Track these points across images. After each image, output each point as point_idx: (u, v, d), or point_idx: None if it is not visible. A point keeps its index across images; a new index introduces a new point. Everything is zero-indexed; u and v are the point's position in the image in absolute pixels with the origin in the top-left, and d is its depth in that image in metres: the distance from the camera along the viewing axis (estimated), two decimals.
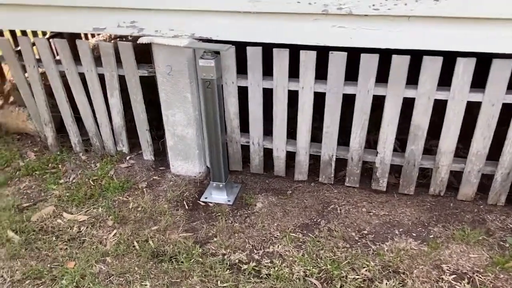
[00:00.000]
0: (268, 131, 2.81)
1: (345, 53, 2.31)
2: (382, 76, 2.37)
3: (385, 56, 2.32)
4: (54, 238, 2.48)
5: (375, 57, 2.28)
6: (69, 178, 3.03)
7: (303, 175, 2.84)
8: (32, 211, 2.70)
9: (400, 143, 2.96)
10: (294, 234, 2.43)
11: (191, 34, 2.46)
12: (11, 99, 4.12)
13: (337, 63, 2.35)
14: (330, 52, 2.33)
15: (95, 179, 2.98)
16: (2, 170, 3.15)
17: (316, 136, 2.82)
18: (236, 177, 3.00)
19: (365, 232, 2.44)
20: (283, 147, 2.77)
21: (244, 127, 2.83)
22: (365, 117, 2.48)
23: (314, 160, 2.88)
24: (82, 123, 3.17)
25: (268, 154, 2.91)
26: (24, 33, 3.83)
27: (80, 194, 2.82)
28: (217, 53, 2.38)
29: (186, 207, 2.72)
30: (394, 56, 2.26)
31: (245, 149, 2.94)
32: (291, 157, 2.87)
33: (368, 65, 2.31)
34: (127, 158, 3.21)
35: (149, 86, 2.98)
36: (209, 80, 2.38)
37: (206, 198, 2.80)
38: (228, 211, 2.65)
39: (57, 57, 2.89)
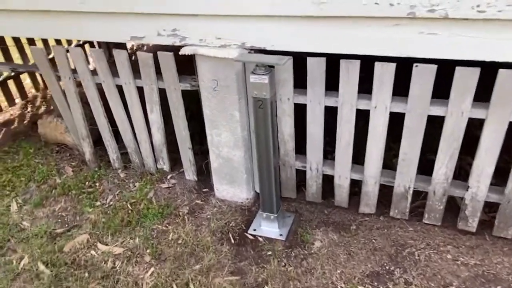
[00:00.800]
0: (325, 151, 2.38)
1: (435, 66, 1.83)
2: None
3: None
4: (86, 275, 2.21)
5: (475, 72, 1.78)
6: (106, 200, 2.77)
7: (370, 207, 2.39)
8: (65, 239, 2.46)
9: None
10: (362, 287, 2.00)
11: (241, 44, 2.07)
12: (51, 107, 3.97)
13: (423, 78, 1.87)
14: (415, 64, 1.86)
15: (133, 202, 2.70)
16: (39, 187, 2.95)
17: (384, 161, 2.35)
18: (289, 204, 2.60)
19: None
20: (347, 175, 2.33)
21: (299, 148, 2.42)
22: (456, 144, 1.98)
23: (381, 186, 2.41)
24: (121, 136, 2.90)
25: (326, 179, 2.48)
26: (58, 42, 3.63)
27: (117, 221, 2.54)
28: (271, 66, 1.98)
29: (232, 241, 2.36)
30: (501, 71, 1.75)
31: (299, 173, 2.53)
32: (354, 183, 2.43)
33: (465, 81, 1.81)
34: (168, 177, 2.91)
35: (191, 96, 2.64)
36: (262, 100, 1.98)
37: (254, 230, 2.43)
38: (280, 249, 2.26)
39: (91, 66, 2.61)
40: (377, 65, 1.92)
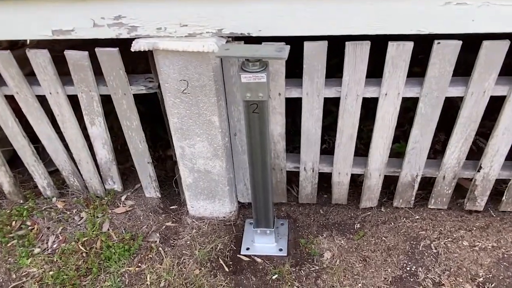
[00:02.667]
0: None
1: (460, 42, 1.55)
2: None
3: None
4: None
5: (504, 45, 1.54)
6: (47, 244, 2.15)
7: (373, 201, 2.16)
8: None
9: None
10: None
11: (216, 31, 1.58)
12: None
13: (444, 57, 1.59)
14: (436, 41, 1.56)
15: (85, 241, 2.13)
16: None
17: None
18: (279, 209, 2.26)
19: (481, 279, 1.83)
20: (348, 170, 2.04)
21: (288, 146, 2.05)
22: (474, 126, 1.78)
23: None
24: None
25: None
26: None
27: (71, 272, 1.97)
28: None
29: (226, 269, 1.97)
30: None
31: (288, 172, 2.18)
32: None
33: (492, 56, 1.57)
34: (122, 198, 2.36)
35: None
36: (257, 103, 1.55)
37: (247, 249, 2.06)
38: (287, 270, 1.93)
39: None
40: (391, 46, 1.58)
